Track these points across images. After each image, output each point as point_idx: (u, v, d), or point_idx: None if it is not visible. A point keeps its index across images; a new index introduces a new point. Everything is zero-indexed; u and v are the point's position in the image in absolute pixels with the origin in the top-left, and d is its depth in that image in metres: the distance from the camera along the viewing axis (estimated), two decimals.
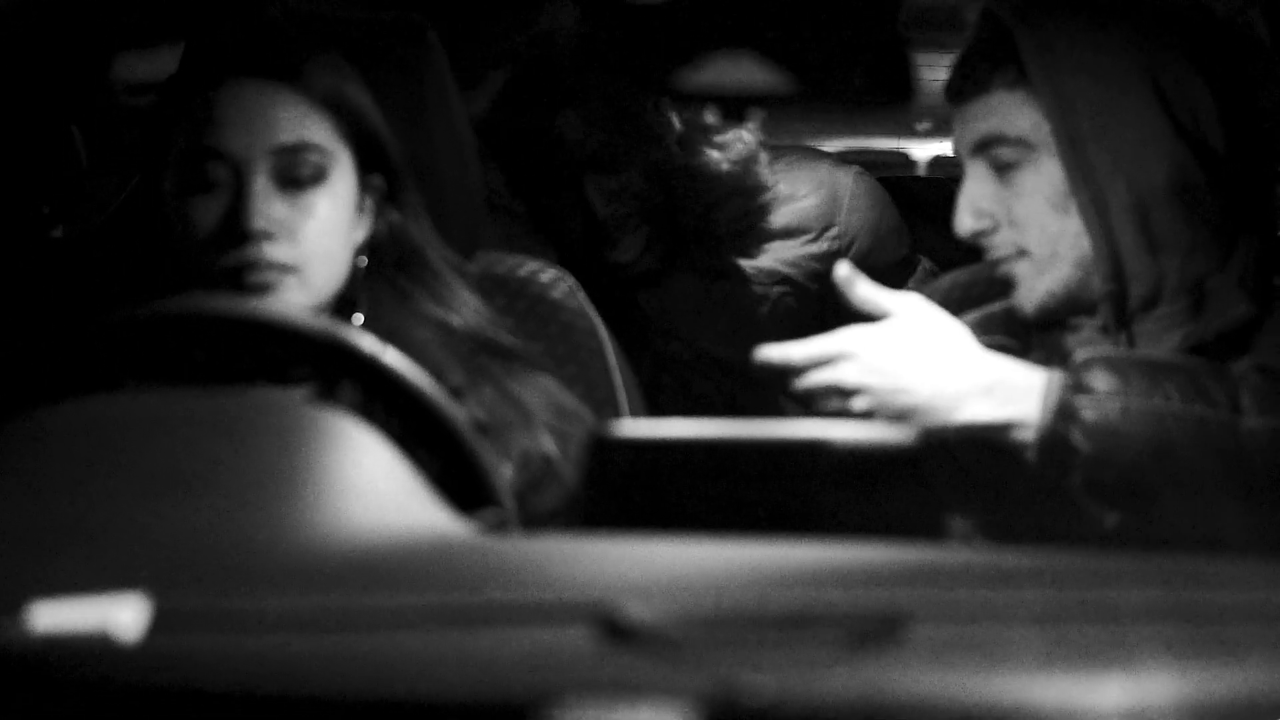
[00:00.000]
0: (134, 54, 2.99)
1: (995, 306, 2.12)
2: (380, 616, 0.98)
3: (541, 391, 2.07)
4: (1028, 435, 1.85)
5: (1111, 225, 1.95)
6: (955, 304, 2.24)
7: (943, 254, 2.87)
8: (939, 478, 1.34)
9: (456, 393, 1.96)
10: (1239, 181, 1.98)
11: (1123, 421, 1.84)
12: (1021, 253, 1.99)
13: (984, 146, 1.99)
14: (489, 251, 2.28)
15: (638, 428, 1.91)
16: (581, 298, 2.27)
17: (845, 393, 1.86)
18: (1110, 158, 1.93)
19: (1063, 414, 1.84)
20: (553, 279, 2.27)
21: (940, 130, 5.94)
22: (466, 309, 2.10)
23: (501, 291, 2.23)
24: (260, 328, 1.68)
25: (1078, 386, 1.86)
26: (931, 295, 2.29)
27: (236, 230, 1.94)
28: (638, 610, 0.94)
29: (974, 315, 2.09)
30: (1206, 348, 1.94)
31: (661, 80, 1.33)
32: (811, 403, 1.87)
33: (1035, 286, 1.99)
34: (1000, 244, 2.00)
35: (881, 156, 2.83)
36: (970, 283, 2.30)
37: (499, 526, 1.44)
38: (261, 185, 1.95)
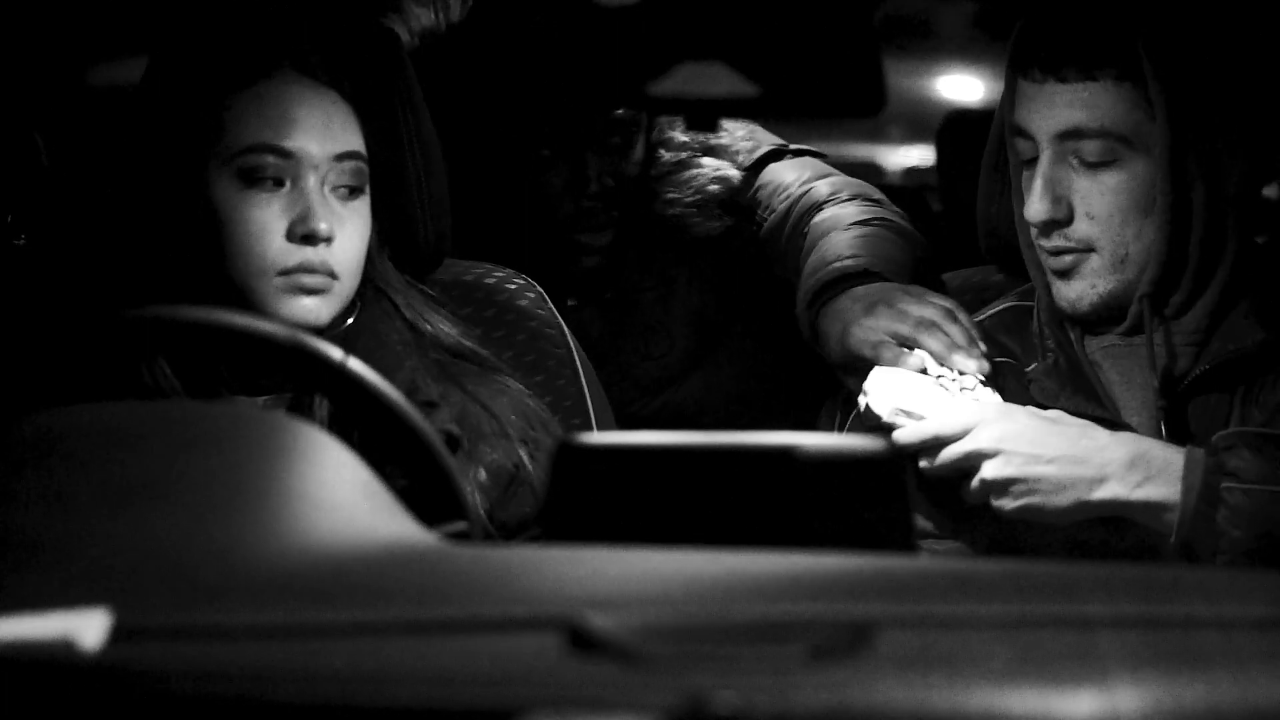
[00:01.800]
0: (100, 60, 2.98)
1: (983, 317, 2.10)
2: (346, 628, 0.98)
3: (511, 399, 2.07)
4: (1171, 517, 1.81)
5: (1180, 230, 1.91)
6: None
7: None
8: (907, 487, 1.33)
9: (430, 406, 1.96)
10: (1266, 206, 1.97)
11: (1271, 508, 1.78)
12: (1089, 249, 1.94)
13: (1076, 135, 1.93)
14: (457, 261, 2.27)
15: (606, 436, 1.91)
16: (550, 305, 2.26)
17: (1000, 484, 1.84)
18: (1196, 164, 1.89)
19: (1207, 498, 1.79)
20: (520, 286, 2.26)
21: (911, 138, 5.97)
22: (435, 316, 2.11)
23: (469, 299, 2.23)
24: (231, 338, 1.68)
25: (1220, 468, 1.80)
26: None
27: (305, 230, 1.94)
28: (602, 621, 0.94)
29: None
30: (1220, 368, 1.92)
31: (631, 86, 1.33)
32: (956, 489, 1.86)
33: (1096, 285, 1.95)
34: (1069, 236, 1.95)
35: (852, 169, 2.81)
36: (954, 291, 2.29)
37: (465, 538, 1.44)
38: (318, 188, 1.96)
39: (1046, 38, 1.94)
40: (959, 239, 2.63)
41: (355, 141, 2.00)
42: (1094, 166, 1.93)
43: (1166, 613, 0.98)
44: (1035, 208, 1.94)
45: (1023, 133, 1.97)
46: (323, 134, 1.97)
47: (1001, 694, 0.90)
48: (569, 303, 2.61)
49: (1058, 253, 1.96)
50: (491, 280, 2.26)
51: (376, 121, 2.07)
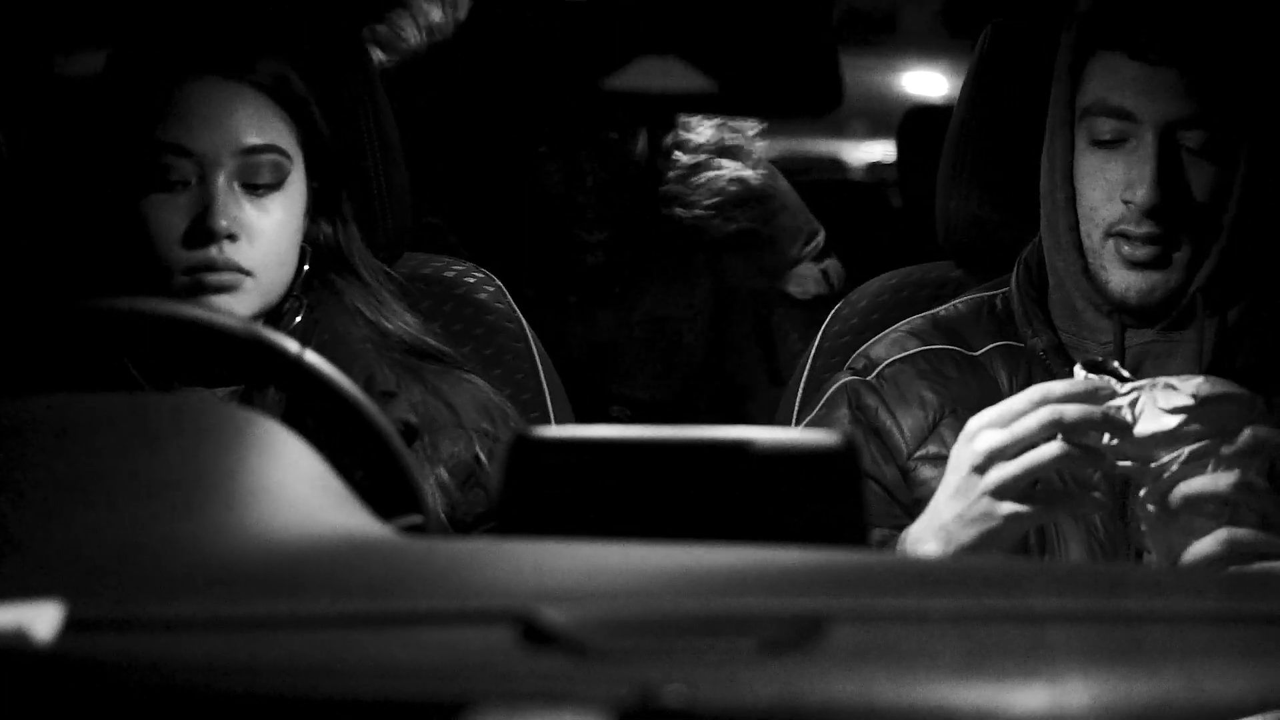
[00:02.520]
0: (62, 52, 2.97)
1: (941, 311, 2.09)
2: (299, 620, 0.98)
3: (470, 393, 2.07)
4: None
5: (1246, 224, 1.89)
6: (885, 306, 2.24)
7: (871, 257, 2.88)
8: (861, 482, 1.32)
9: (388, 396, 1.96)
10: None
11: None
12: (1177, 239, 1.91)
13: (1190, 123, 1.90)
14: (416, 254, 2.28)
15: (561, 429, 1.91)
16: (509, 299, 2.27)
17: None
18: (1270, 158, 1.89)
19: None
20: (480, 280, 2.27)
21: (873, 134, 5.98)
22: (396, 312, 2.11)
23: (429, 292, 2.23)
24: (184, 329, 1.67)
25: None
26: (860, 297, 2.29)
27: (201, 229, 1.94)
28: (555, 615, 0.94)
29: (917, 321, 2.07)
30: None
31: (591, 79, 1.34)
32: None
33: (1171, 277, 1.91)
34: (1166, 225, 1.90)
35: (812, 162, 2.83)
36: (899, 285, 2.30)
37: (420, 531, 1.44)
38: (226, 185, 1.95)
39: (1167, 21, 1.90)
40: (918, 234, 2.64)
41: (271, 135, 1.99)
42: (1197, 155, 1.90)
43: (1115, 608, 0.99)
44: (1148, 194, 1.89)
45: (1119, 113, 1.92)
46: (231, 130, 1.96)
47: (951, 688, 0.90)
48: (570, 299, 2.62)
49: (1149, 240, 1.91)
50: (451, 274, 2.27)
51: (337, 118, 2.07)
